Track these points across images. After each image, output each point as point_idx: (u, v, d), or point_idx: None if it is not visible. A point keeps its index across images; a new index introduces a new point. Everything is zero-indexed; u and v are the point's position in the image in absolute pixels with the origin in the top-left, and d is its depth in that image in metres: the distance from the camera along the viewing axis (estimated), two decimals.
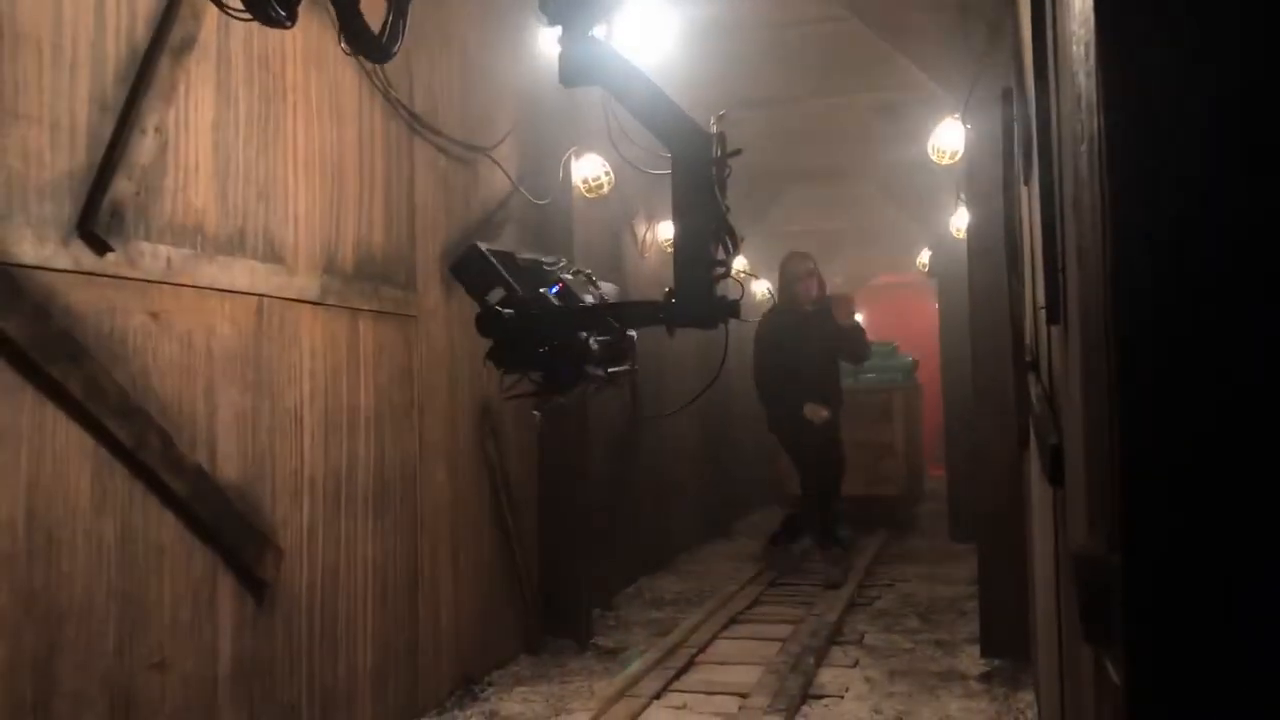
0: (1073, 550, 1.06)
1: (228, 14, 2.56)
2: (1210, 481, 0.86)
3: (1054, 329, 2.08)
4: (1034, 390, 2.67)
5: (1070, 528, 2.13)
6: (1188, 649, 0.83)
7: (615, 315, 2.91)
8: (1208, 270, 0.96)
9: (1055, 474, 2.20)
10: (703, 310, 2.82)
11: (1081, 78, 1.13)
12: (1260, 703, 0.83)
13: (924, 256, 9.81)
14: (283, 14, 2.52)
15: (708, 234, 2.82)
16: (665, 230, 7.86)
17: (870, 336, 8.28)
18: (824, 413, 7.26)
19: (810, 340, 7.23)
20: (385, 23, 2.68)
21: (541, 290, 2.80)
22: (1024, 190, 2.93)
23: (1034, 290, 2.62)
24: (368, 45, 2.71)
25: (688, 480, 9.05)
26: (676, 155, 2.79)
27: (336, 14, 2.62)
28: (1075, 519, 1.68)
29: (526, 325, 2.74)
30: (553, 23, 2.83)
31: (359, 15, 2.62)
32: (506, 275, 2.82)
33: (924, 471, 10.72)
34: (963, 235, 6.34)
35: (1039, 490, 2.83)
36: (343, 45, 2.71)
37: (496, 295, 2.82)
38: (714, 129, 2.86)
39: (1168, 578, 0.85)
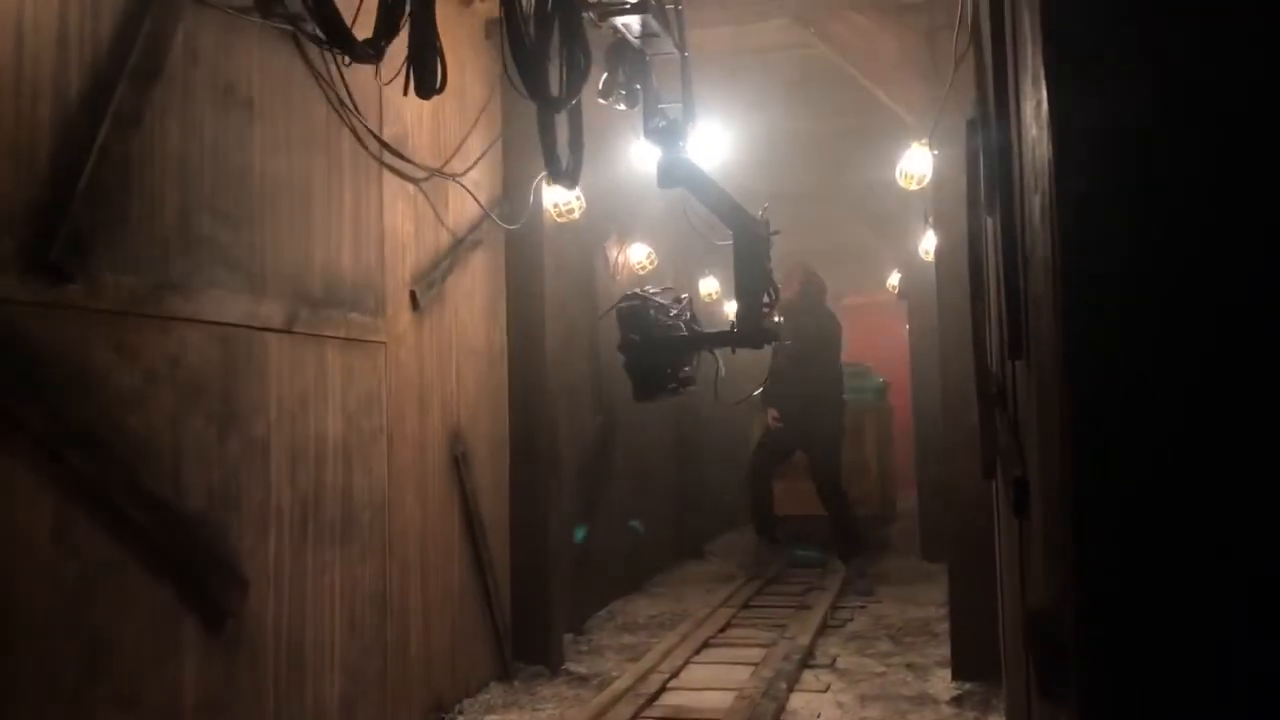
0: (1027, 606, 1.06)
1: (326, 50, 3.32)
2: (1162, 536, 0.87)
3: (1018, 363, 2.09)
4: (999, 422, 2.68)
5: (1033, 563, 2.14)
6: (1141, 708, 0.83)
7: (708, 342, 4.52)
8: (1154, 315, 0.98)
9: (1020, 506, 2.21)
10: (755, 336, 4.36)
11: (1034, 131, 1.15)
12: None
13: (894, 278, 9.87)
14: (371, 52, 3.10)
15: (758, 286, 4.34)
16: (636, 253, 7.88)
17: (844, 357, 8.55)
18: (772, 420, 8.13)
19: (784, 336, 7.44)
20: (570, 157, 4.01)
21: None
22: (988, 222, 2.96)
23: (1000, 323, 2.64)
24: (563, 178, 4.08)
25: (660, 502, 9.04)
26: (736, 234, 4.34)
27: (546, 159, 3.88)
28: (1037, 558, 1.69)
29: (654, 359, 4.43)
30: (652, 144, 4.40)
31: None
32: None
33: (896, 491, 10.76)
34: (931, 258, 6.38)
35: (1005, 521, 2.84)
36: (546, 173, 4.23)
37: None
38: (762, 215, 4.43)
39: (1119, 633, 0.85)
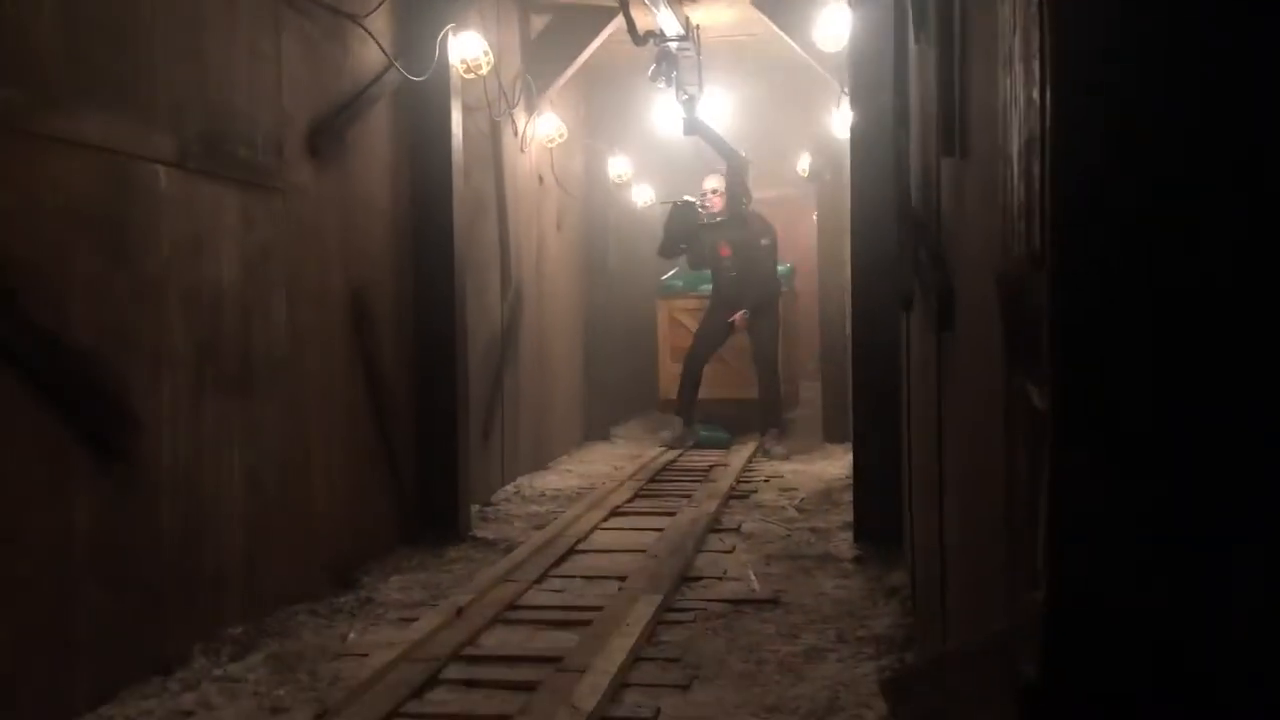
0: (996, 273, 1.03)
1: None
2: (1133, 188, 0.82)
3: (947, 161, 2.06)
4: (921, 249, 2.67)
5: (956, 375, 2.13)
6: (1113, 359, 0.80)
7: (720, 222, 8.84)
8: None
9: (945, 319, 2.20)
10: (738, 221, 8.76)
11: None
12: (1186, 417, 0.80)
13: (804, 162, 9.83)
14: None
15: (741, 195, 8.71)
16: (545, 125, 7.69)
17: None
18: (740, 319, 8.90)
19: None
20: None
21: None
22: (914, 49, 2.91)
23: (924, 139, 2.60)
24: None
25: (567, 384, 9.01)
26: (729, 162, 8.63)
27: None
28: (961, 368, 1.67)
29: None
30: (681, 108, 7.89)
31: None
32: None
33: (799, 376, 10.90)
34: (845, 136, 6.35)
35: (922, 347, 2.85)
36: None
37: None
38: (744, 154, 8.78)
39: (1093, 285, 0.81)
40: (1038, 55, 0.83)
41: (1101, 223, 0.81)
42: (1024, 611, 0.84)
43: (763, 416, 9.01)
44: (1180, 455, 0.78)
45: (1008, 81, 1.02)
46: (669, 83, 7.43)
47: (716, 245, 8.90)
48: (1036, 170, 0.85)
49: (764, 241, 8.90)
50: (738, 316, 8.86)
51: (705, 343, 9.09)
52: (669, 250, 9.05)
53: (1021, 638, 0.82)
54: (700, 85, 7.85)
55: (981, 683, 0.82)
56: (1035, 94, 0.85)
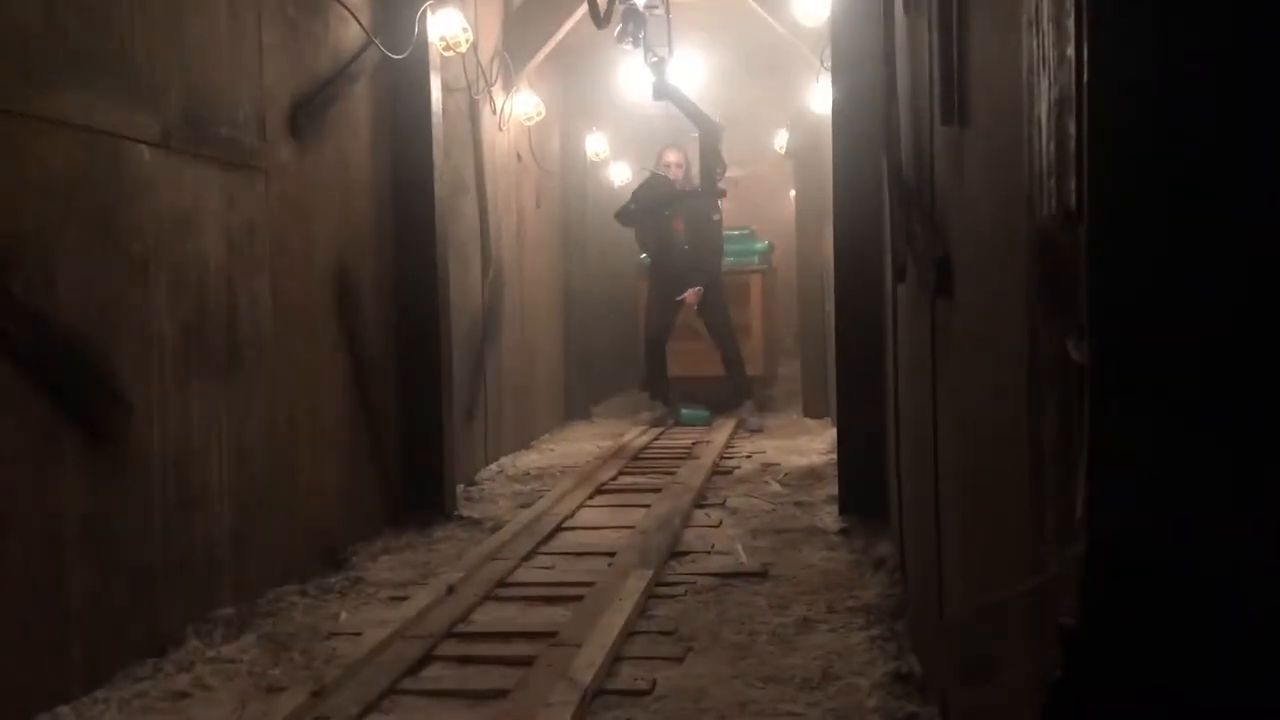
0: (1034, 229, 1.04)
1: None
2: (1170, 141, 0.83)
3: (945, 130, 2.07)
4: (914, 220, 2.68)
5: (953, 340, 2.15)
6: (1151, 311, 0.81)
7: (687, 193, 8.67)
8: None
9: (942, 286, 2.21)
10: (712, 193, 8.51)
11: None
12: (1226, 369, 0.81)
13: (781, 139, 9.83)
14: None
15: (715, 165, 8.29)
16: (523, 104, 7.64)
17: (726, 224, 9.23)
18: (693, 296, 8.73)
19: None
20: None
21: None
22: (902, 20, 2.91)
23: (915, 110, 2.61)
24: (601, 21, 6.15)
25: (548, 363, 9.00)
26: (702, 132, 8.24)
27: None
28: (958, 333, 1.68)
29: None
30: (650, 71, 7.30)
31: None
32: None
33: (778, 353, 10.93)
34: (824, 111, 6.35)
35: (913, 316, 2.87)
36: None
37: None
38: (718, 120, 8.21)
39: (1130, 237, 0.82)
40: (1072, 12, 0.84)
41: (1139, 175, 0.82)
42: (1061, 565, 0.85)
43: (734, 389, 8.95)
44: (1218, 406, 0.79)
45: (1035, 43, 1.02)
46: (636, 44, 6.97)
47: (671, 219, 8.75)
48: (1071, 127, 0.86)
49: (715, 216, 8.72)
50: (690, 294, 8.67)
51: (660, 321, 8.91)
52: (629, 217, 8.82)
53: (1060, 589, 0.83)
54: (670, 47, 7.29)
55: (1024, 632, 0.84)
56: (1070, 51, 0.86)
